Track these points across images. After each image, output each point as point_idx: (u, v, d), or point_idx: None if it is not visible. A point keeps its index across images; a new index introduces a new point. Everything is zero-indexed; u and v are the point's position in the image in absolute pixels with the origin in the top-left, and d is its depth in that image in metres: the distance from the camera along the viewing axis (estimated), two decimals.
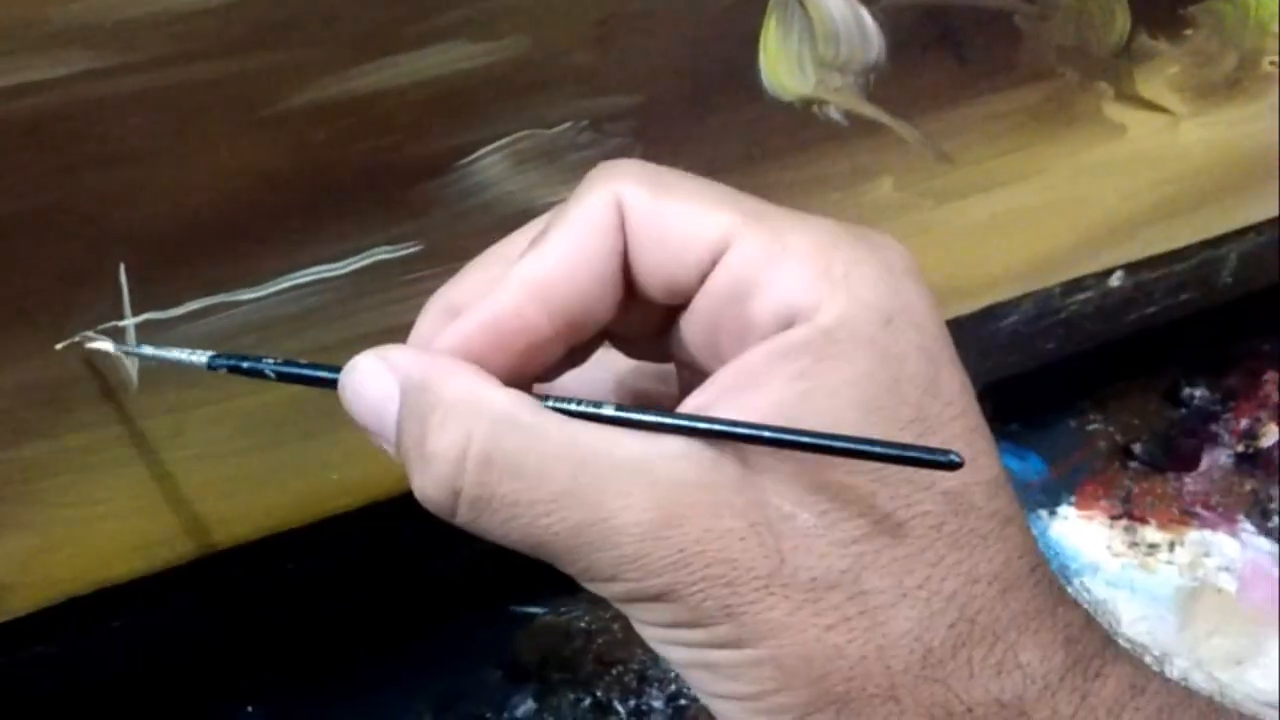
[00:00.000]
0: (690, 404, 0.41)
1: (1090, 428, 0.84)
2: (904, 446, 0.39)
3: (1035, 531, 0.76)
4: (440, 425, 0.41)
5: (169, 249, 0.55)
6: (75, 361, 0.56)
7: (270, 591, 0.64)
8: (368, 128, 0.56)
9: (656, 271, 0.42)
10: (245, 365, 0.49)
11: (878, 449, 0.38)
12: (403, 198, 0.58)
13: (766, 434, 0.38)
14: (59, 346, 0.55)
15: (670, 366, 0.46)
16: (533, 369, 0.43)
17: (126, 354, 0.55)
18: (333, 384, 0.45)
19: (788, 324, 0.40)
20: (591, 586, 0.41)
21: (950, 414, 0.40)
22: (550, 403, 0.41)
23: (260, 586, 0.64)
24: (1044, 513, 0.79)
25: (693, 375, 0.44)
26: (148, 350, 0.54)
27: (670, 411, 0.40)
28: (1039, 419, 0.84)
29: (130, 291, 0.55)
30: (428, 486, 0.42)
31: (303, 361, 0.48)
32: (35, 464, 0.57)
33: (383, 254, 0.59)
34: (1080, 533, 0.78)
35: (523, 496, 0.40)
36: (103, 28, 0.51)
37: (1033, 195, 0.71)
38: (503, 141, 0.59)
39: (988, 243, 0.71)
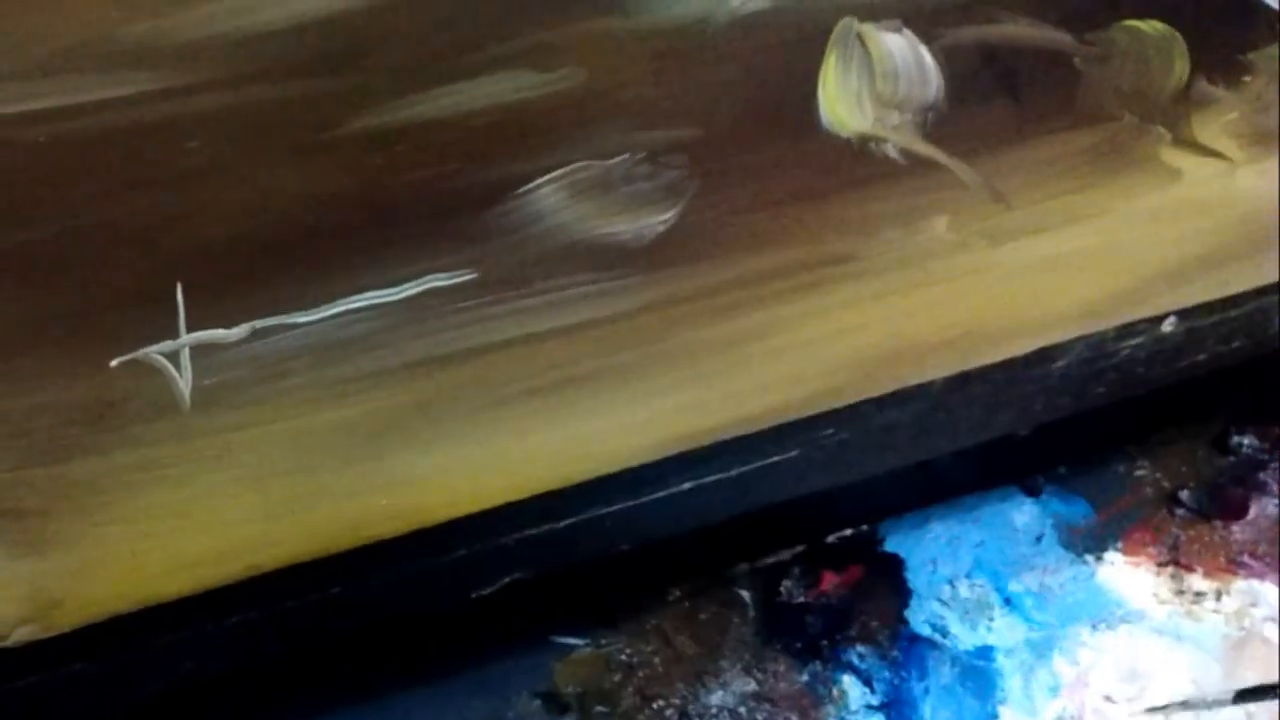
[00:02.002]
0: None
1: (1138, 474, 0.84)
2: None
3: (1082, 577, 0.76)
4: None
5: (225, 270, 0.56)
6: (128, 380, 0.56)
7: (313, 614, 0.64)
8: (425, 154, 0.57)
9: None
10: None
11: None
12: (458, 226, 0.58)
13: None
14: (115, 363, 0.55)
15: None
16: None
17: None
18: None
19: None
20: None
21: None
22: None
23: (303, 609, 0.64)
24: (1090, 558, 0.78)
25: None
26: None
27: None
28: (1086, 463, 0.83)
29: (186, 311, 0.55)
30: None
31: None
32: (85, 481, 0.57)
33: (437, 281, 0.59)
34: (1127, 579, 0.77)
35: None
36: (166, 49, 0.51)
37: (1087, 238, 0.70)
38: (559, 172, 0.59)
39: (1041, 285, 0.70)
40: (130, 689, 0.62)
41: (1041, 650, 0.73)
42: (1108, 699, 0.72)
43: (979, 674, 0.72)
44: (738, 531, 0.72)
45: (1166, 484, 0.83)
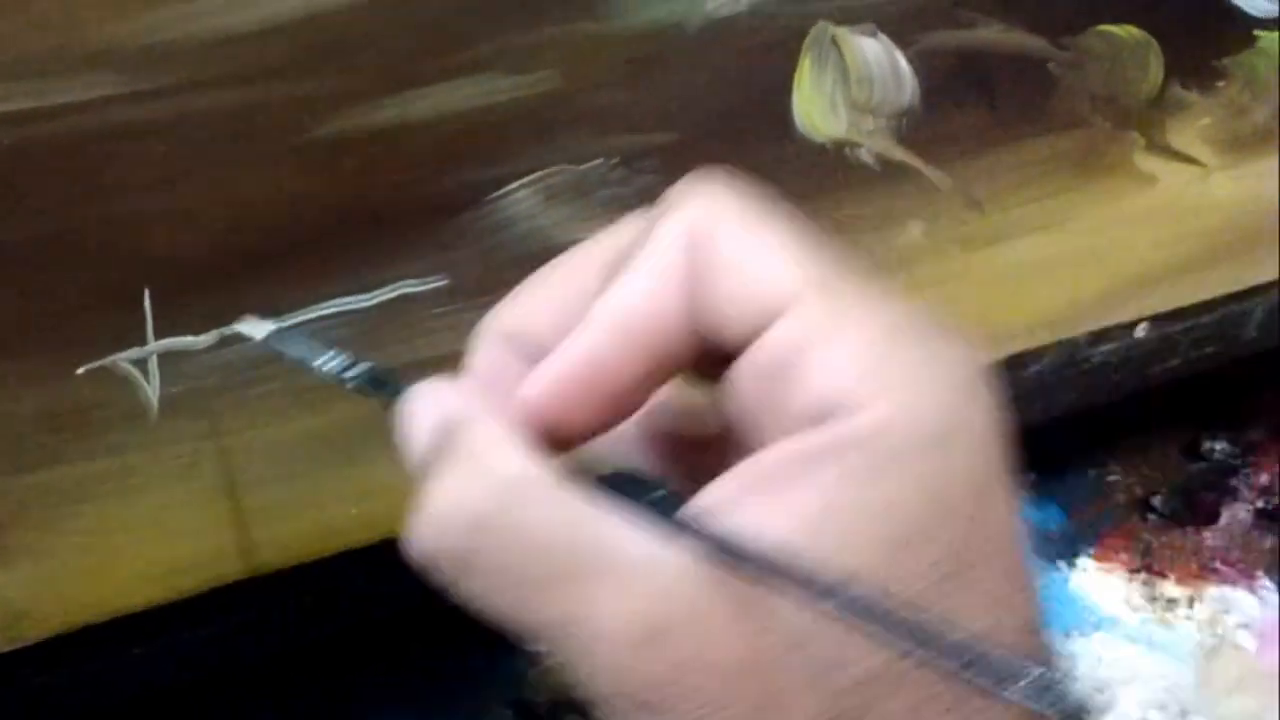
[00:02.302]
0: (709, 497, 0.37)
1: (1110, 479, 0.84)
2: (966, 656, 0.33)
3: (1055, 584, 0.76)
4: (449, 473, 0.37)
5: (195, 276, 0.55)
6: (96, 387, 0.55)
7: (283, 624, 0.63)
8: (398, 159, 0.56)
9: (711, 315, 0.38)
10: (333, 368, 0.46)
11: (929, 645, 0.34)
12: (431, 230, 0.58)
13: (781, 572, 0.34)
14: (81, 370, 0.54)
15: (711, 405, 0.44)
16: (623, 411, 0.39)
17: (268, 341, 0.53)
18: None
19: (826, 417, 0.36)
20: (569, 680, 0.38)
21: (988, 551, 0.36)
22: (574, 477, 0.37)
23: (273, 619, 0.63)
24: (1063, 564, 0.78)
25: (733, 427, 0.40)
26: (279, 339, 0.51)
27: (684, 522, 0.36)
28: (1058, 469, 0.83)
29: (155, 318, 0.55)
30: (415, 534, 0.38)
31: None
32: (52, 489, 0.56)
33: (409, 287, 0.58)
34: (1099, 585, 0.77)
35: (507, 573, 0.36)
36: (134, 52, 0.51)
37: (1061, 244, 0.70)
38: (533, 176, 0.58)
39: (1015, 290, 0.70)
40: (100, 700, 0.61)
41: None
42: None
43: None
44: None
45: (1138, 489, 0.83)
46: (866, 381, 0.35)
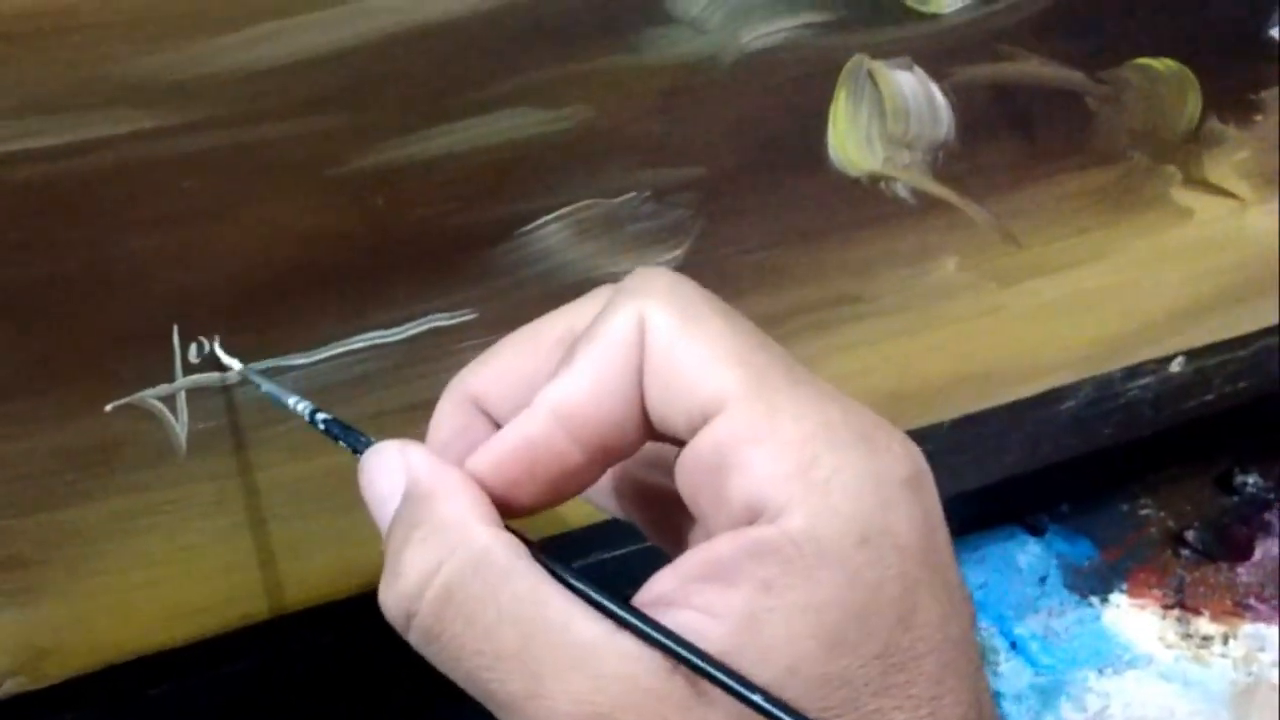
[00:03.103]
0: (656, 588, 0.39)
1: (1142, 513, 0.83)
2: None
3: (1088, 619, 0.75)
4: (420, 542, 0.39)
5: (222, 312, 0.54)
6: (124, 424, 0.54)
7: (310, 663, 0.63)
8: (428, 193, 0.55)
9: (657, 407, 0.40)
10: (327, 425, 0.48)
11: None
12: (461, 264, 0.57)
13: (719, 675, 0.36)
14: (109, 407, 0.54)
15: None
16: (569, 490, 0.41)
17: (242, 377, 0.55)
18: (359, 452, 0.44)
19: (758, 514, 0.37)
20: None
21: (923, 649, 0.37)
22: (536, 554, 0.39)
23: (300, 658, 0.62)
24: (1095, 600, 0.77)
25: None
26: (261, 382, 0.54)
27: (633, 609, 0.38)
28: (1090, 503, 0.82)
29: (182, 354, 0.54)
30: (388, 598, 0.40)
31: (345, 424, 0.47)
32: (77, 527, 0.55)
33: (439, 321, 0.58)
34: (1133, 622, 0.76)
35: (468, 645, 0.38)
36: (162, 87, 0.50)
37: (1098, 279, 0.69)
38: (564, 210, 0.58)
39: (1051, 326, 0.69)
40: None
41: (1049, 696, 0.72)
42: None
43: None
44: None
45: (1171, 524, 0.83)
46: (792, 483, 0.37)
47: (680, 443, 0.40)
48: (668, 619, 0.37)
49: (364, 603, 0.61)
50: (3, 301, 0.51)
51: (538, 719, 0.37)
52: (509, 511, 0.41)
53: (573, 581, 0.38)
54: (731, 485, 0.38)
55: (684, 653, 0.36)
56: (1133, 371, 0.74)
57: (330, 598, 0.61)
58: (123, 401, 0.54)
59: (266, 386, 0.54)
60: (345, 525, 0.60)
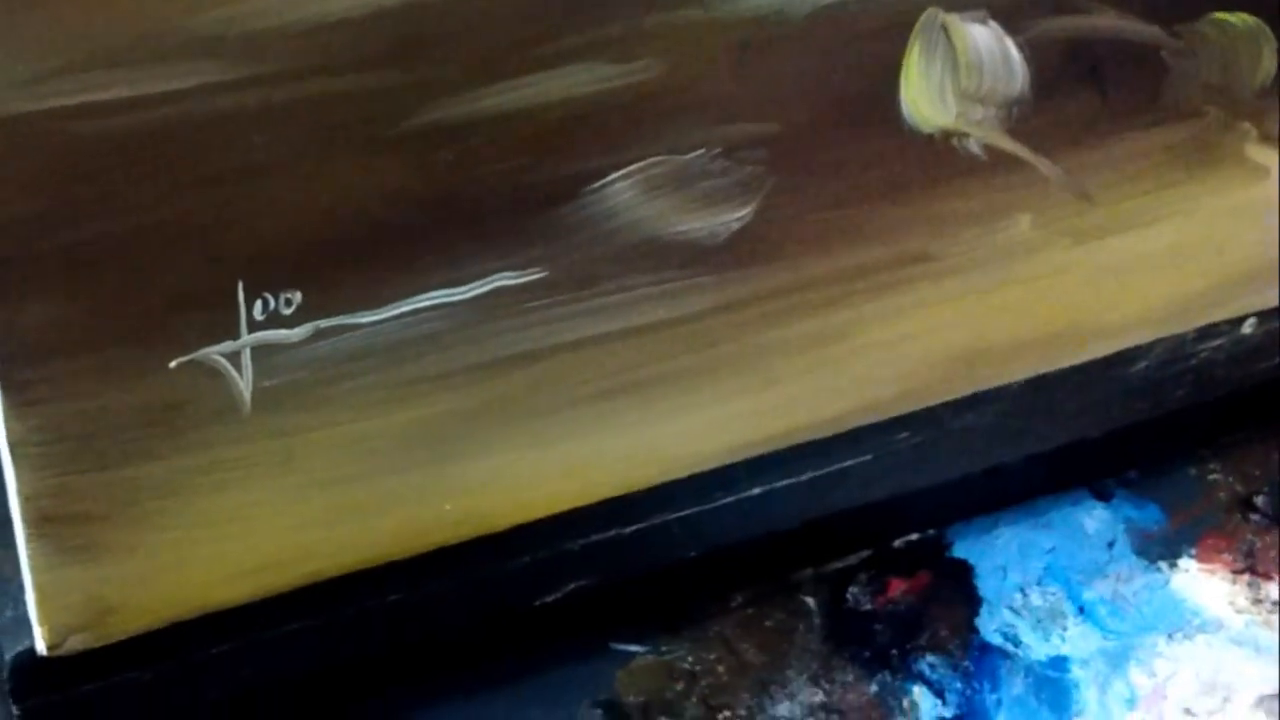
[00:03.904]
0: None
1: (1210, 477, 0.82)
2: None
3: (1156, 585, 0.74)
4: None
5: (288, 268, 0.54)
6: (188, 382, 0.54)
7: (374, 622, 0.62)
8: (495, 149, 0.55)
9: None
10: None
11: None
12: (529, 222, 0.56)
13: None
14: (174, 364, 0.53)
15: None
16: None
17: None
18: None
19: None
20: None
21: None
22: None
23: (364, 617, 0.62)
24: (1164, 565, 0.76)
25: None
26: None
27: None
28: (1157, 467, 0.81)
29: (248, 310, 0.54)
30: None
31: None
32: (143, 485, 0.55)
33: (506, 280, 0.57)
34: (1202, 587, 0.75)
35: None
36: (231, 40, 0.49)
37: (1171, 237, 0.68)
38: (633, 167, 0.57)
39: (1124, 285, 0.69)
40: (187, 698, 0.61)
41: (1117, 661, 0.71)
42: (1187, 712, 0.70)
43: (1053, 685, 0.70)
44: (802, 536, 0.70)
45: (1240, 488, 0.81)
46: None
47: None
48: None
49: (429, 562, 0.61)
50: (68, 258, 0.51)
51: None
52: None
53: None
54: None
55: None
56: (1205, 332, 0.73)
57: (395, 557, 0.61)
58: (187, 358, 0.54)
59: None
60: (411, 484, 0.60)
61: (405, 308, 0.56)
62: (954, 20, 0.60)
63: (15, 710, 0.58)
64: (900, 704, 0.69)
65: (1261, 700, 0.70)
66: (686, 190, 0.58)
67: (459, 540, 0.61)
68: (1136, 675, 0.71)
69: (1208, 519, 0.79)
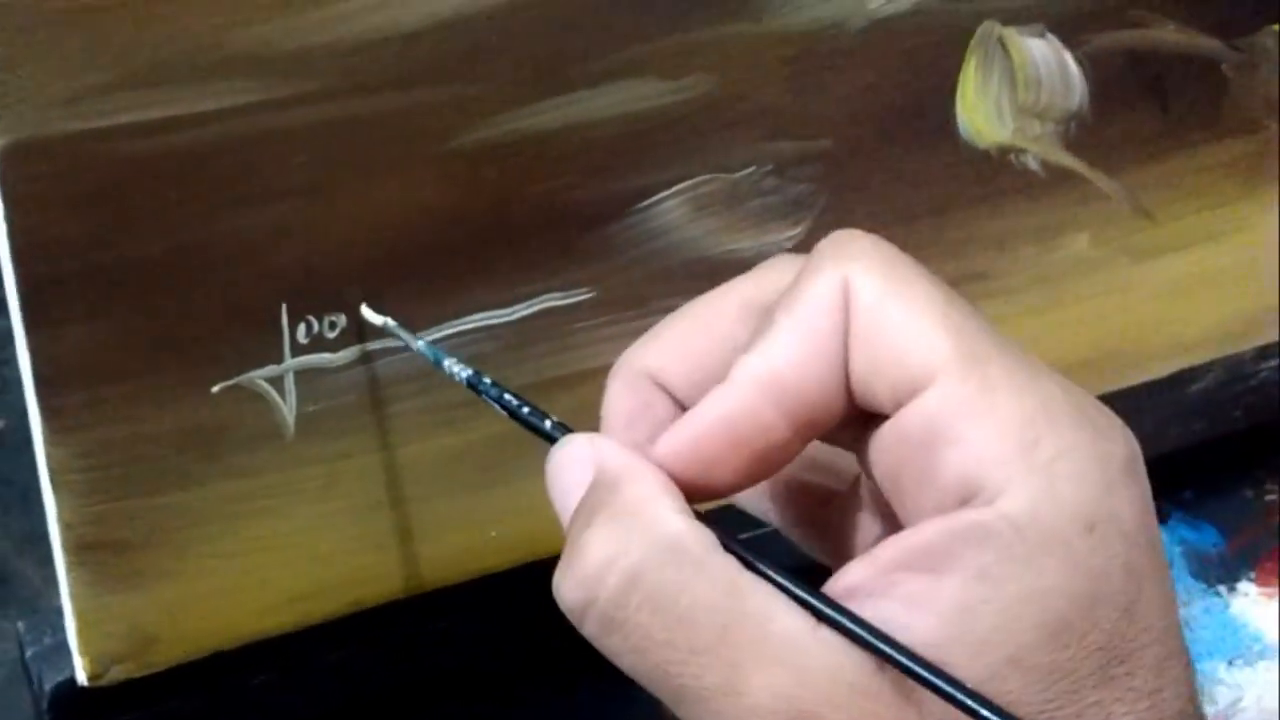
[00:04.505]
0: (847, 579, 0.37)
1: (1268, 499, 0.80)
2: None
3: (1215, 609, 0.73)
4: (604, 526, 0.37)
5: (332, 290, 0.53)
6: (231, 406, 0.53)
7: (416, 651, 0.62)
8: (542, 167, 0.54)
9: (861, 375, 0.38)
10: (489, 388, 0.48)
11: None
12: (576, 242, 0.56)
13: (935, 680, 0.35)
14: (216, 389, 0.53)
15: (844, 457, 0.42)
16: (766, 470, 0.39)
17: (403, 340, 0.53)
18: (550, 442, 0.42)
19: (971, 496, 0.36)
20: None
21: (1146, 639, 0.36)
22: (728, 544, 0.38)
23: (408, 646, 0.61)
24: (1223, 589, 0.75)
25: (870, 487, 0.41)
26: (421, 345, 0.52)
27: (835, 604, 0.36)
28: (1213, 488, 0.80)
29: (291, 334, 0.53)
30: (565, 584, 0.38)
31: (538, 408, 0.46)
32: (184, 511, 0.54)
33: (553, 300, 0.56)
34: (1262, 612, 0.74)
35: (656, 634, 0.36)
36: (274, 57, 0.49)
37: (1230, 254, 0.68)
38: (683, 185, 0.56)
39: (1182, 304, 0.68)
40: None
41: None
42: None
43: None
44: None
45: None
46: (1013, 464, 0.36)
47: (868, 415, 0.38)
48: (867, 611, 0.36)
49: (474, 590, 0.60)
50: (108, 280, 0.50)
51: (734, 715, 0.36)
52: (698, 495, 0.39)
53: (771, 574, 0.37)
54: (942, 463, 0.36)
55: (891, 651, 0.35)
56: (1263, 352, 0.72)
57: (442, 584, 0.60)
58: (230, 383, 0.53)
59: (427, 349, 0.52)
60: (457, 510, 0.59)
61: (451, 330, 0.55)
62: (1011, 34, 0.59)
63: None
64: None
65: None
66: (737, 209, 0.57)
67: (504, 567, 0.60)
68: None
69: (1266, 541, 0.78)
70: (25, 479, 0.72)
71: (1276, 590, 0.75)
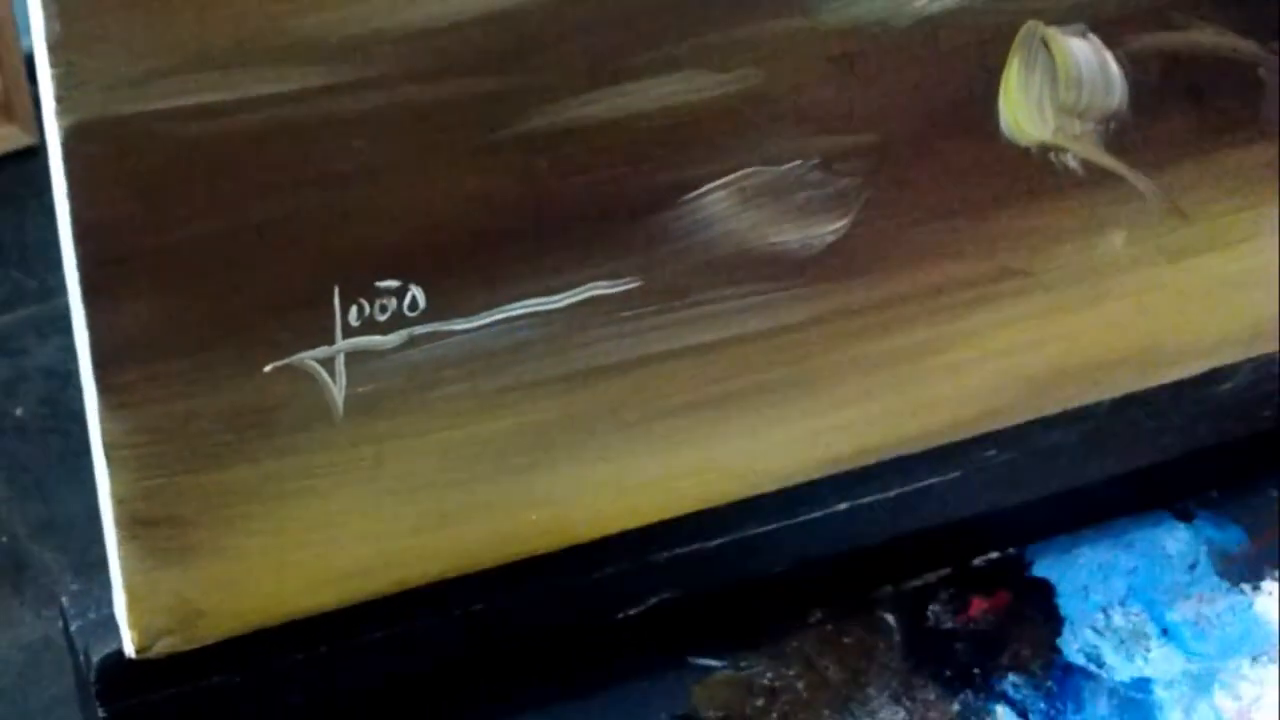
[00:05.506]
0: None
1: None
2: None
3: (1240, 607, 0.73)
4: None
5: (384, 274, 0.54)
6: (282, 386, 0.54)
7: (456, 631, 0.62)
8: (593, 157, 0.55)
9: None
10: None
11: None
12: (624, 231, 0.56)
13: None
14: (268, 369, 0.53)
15: None
16: None
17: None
18: None
19: None
20: None
21: None
22: None
23: (446, 625, 0.62)
24: (1247, 587, 0.75)
25: None
26: None
27: None
28: (1239, 487, 0.80)
29: (342, 316, 0.53)
30: None
31: None
32: (234, 489, 0.55)
33: (600, 289, 0.57)
34: None
35: None
36: (333, 44, 0.50)
37: (1262, 255, 0.68)
38: (730, 177, 0.57)
39: (1214, 303, 0.68)
40: (271, 704, 0.60)
41: (1202, 683, 0.70)
42: None
43: (1137, 707, 0.69)
44: (884, 553, 0.70)
45: None
46: None
47: None
48: None
49: (513, 572, 0.61)
50: (167, 260, 0.51)
51: None
52: None
53: None
54: None
55: None
56: None
57: (480, 566, 0.61)
58: (282, 363, 0.54)
59: None
60: (498, 493, 0.59)
61: (499, 315, 0.56)
62: (1054, 34, 0.59)
63: (101, 713, 0.58)
64: None
65: None
66: (781, 202, 0.58)
67: (544, 551, 0.61)
68: (1221, 699, 0.70)
69: None
70: (42, 467, 0.74)
71: None
